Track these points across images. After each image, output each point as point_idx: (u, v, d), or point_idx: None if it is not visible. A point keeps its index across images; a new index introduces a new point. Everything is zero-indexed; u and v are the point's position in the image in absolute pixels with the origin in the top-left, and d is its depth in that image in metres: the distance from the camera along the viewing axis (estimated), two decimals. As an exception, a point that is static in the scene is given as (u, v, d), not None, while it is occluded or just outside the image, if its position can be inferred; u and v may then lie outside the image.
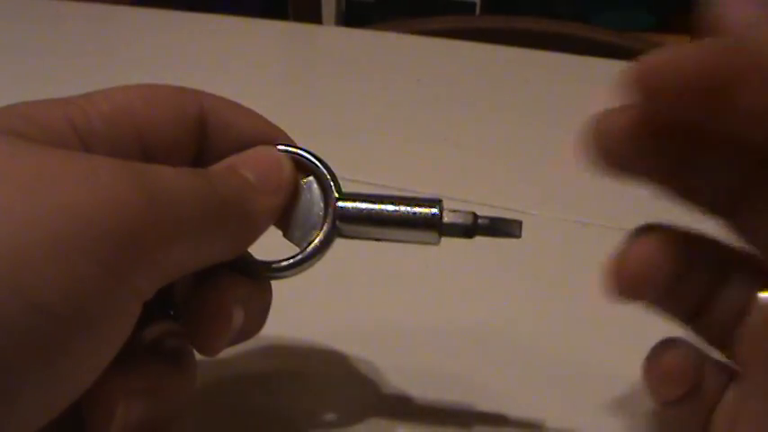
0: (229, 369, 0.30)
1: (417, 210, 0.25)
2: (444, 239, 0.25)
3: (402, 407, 0.29)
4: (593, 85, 0.63)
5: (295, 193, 0.26)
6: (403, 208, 0.25)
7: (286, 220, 0.25)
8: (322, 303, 0.35)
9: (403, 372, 0.30)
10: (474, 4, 1.89)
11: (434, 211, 0.25)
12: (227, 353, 0.25)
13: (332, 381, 0.30)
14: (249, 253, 0.25)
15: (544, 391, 0.30)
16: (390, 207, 0.25)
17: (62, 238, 0.18)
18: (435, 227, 0.25)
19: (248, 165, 0.24)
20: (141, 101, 0.24)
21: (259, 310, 0.25)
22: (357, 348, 0.31)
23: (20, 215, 0.18)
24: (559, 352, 0.32)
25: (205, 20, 0.76)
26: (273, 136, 0.26)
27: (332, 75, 0.66)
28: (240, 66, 0.67)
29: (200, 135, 0.25)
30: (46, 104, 0.23)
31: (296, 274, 0.25)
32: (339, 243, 0.26)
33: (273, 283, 0.26)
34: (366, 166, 0.48)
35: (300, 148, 0.26)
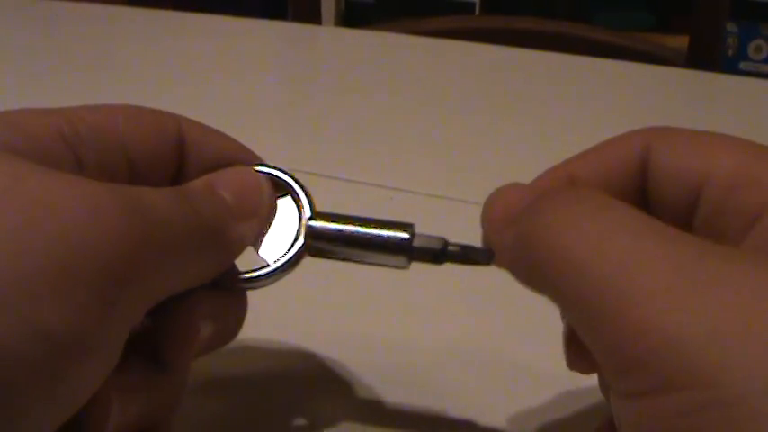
0: (219, 369, 0.30)
1: (388, 233, 0.25)
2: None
3: (378, 414, 0.29)
4: (593, 85, 0.64)
5: (271, 212, 0.26)
6: (374, 231, 0.25)
7: (259, 235, 0.26)
8: (308, 310, 0.35)
9: (383, 378, 0.30)
10: (473, 4, 1.89)
11: (405, 235, 0.25)
12: (220, 354, 0.25)
13: (314, 387, 0.30)
14: None
15: (525, 402, 0.30)
16: (362, 229, 0.25)
17: (64, 267, 0.19)
18: (405, 251, 0.25)
19: (227, 185, 0.25)
20: (124, 117, 0.25)
21: (232, 320, 0.25)
22: (336, 354, 0.31)
23: (24, 243, 0.18)
24: (539, 362, 0.32)
25: (205, 20, 0.76)
26: (248, 158, 0.27)
27: (331, 75, 0.66)
28: (240, 66, 0.67)
29: (179, 153, 0.26)
30: (34, 113, 0.23)
31: (262, 286, 0.25)
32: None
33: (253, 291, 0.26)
34: (366, 166, 0.48)
35: (276, 168, 0.27)
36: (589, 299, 0.19)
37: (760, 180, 0.21)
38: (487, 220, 0.23)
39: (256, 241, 0.26)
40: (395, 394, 0.30)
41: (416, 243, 0.25)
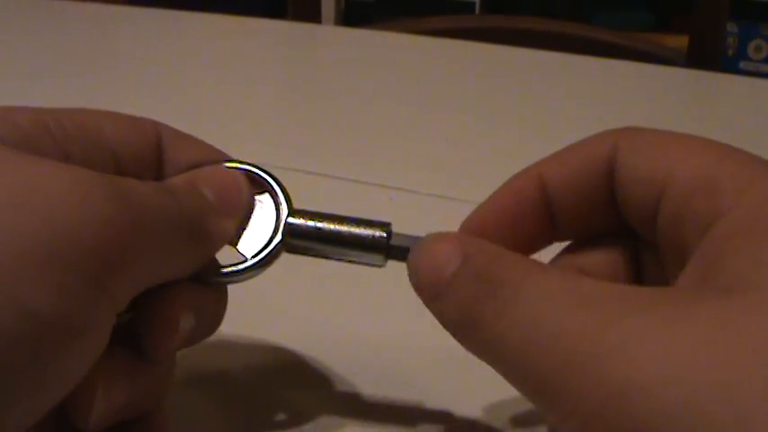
0: (202, 365, 0.30)
1: (365, 231, 0.25)
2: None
3: (364, 410, 0.29)
4: (593, 85, 0.64)
5: (249, 208, 0.27)
6: (351, 228, 0.26)
7: (238, 232, 0.26)
8: (293, 306, 0.35)
9: (367, 375, 0.31)
10: (473, 4, 1.89)
11: (382, 233, 0.25)
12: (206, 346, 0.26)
13: (297, 383, 0.30)
14: None
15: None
16: (339, 227, 0.26)
17: (52, 250, 0.19)
18: (382, 249, 0.25)
19: (207, 182, 0.25)
20: (105, 119, 0.25)
21: (212, 314, 0.26)
22: (320, 350, 0.31)
23: (11, 227, 0.19)
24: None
25: (205, 20, 0.76)
26: (223, 159, 0.27)
27: (331, 74, 0.66)
28: (240, 65, 0.67)
29: (158, 155, 0.26)
30: (21, 109, 0.23)
31: (240, 281, 0.26)
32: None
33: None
34: (366, 166, 0.48)
35: (253, 165, 0.27)
36: (534, 374, 0.20)
37: (717, 186, 0.21)
38: (419, 285, 0.23)
39: (235, 237, 0.26)
40: (379, 390, 0.30)
41: (393, 241, 0.25)
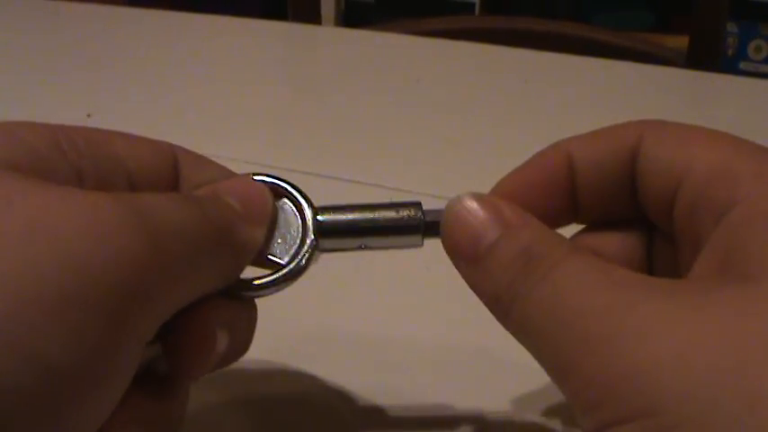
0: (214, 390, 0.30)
1: (398, 214, 0.25)
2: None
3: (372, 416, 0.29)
4: (593, 85, 0.64)
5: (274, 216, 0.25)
6: (382, 215, 0.25)
7: (264, 242, 0.25)
8: (297, 306, 0.35)
9: (374, 378, 0.30)
10: (473, 4, 1.89)
11: (415, 214, 0.25)
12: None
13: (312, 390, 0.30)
14: None
15: (528, 399, 0.30)
16: (369, 215, 0.25)
17: (66, 293, 0.18)
18: (418, 230, 0.25)
19: (231, 192, 0.24)
20: (118, 137, 0.24)
21: (245, 331, 0.25)
22: (326, 354, 0.31)
23: (21, 270, 0.17)
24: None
25: (205, 20, 0.76)
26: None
27: (331, 75, 0.66)
28: (240, 66, 0.67)
29: (175, 175, 0.25)
30: (33, 126, 0.22)
31: (277, 291, 0.25)
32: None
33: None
34: (366, 167, 0.48)
35: (268, 175, 0.26)
36: (553, 347, 0.20)
37: (733, 174, 0.21)
38: (454, 252, 0.23)
39: (264, 246, 0.25)
40: (386, 393, 0.30)
41: (428, 219, 0.25)
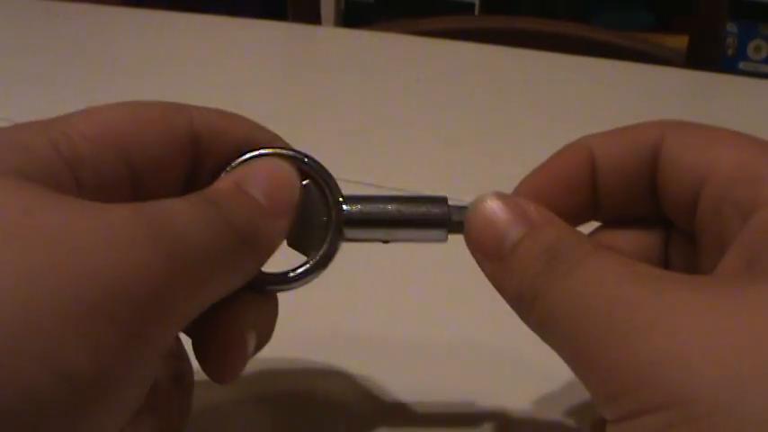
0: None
1: (424, 209, 0.25)
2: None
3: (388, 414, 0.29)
4: (593, 85, 0.64)
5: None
6: (409, 208, 0.25)
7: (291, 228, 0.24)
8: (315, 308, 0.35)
9: (383, 377, 0.30)
10: (473, 4, 1.89)
11: (442, 209, 0.25)
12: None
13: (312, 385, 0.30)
14: None
15: (535, 398, 0.30)
16: (395, 207, 0.24)
17: (84, 304, 0.18)
18: (444, 225, 0.24)
19: (256, 182, 0.23)
20: (128, 121, 0.23)
21: (268, 324, 0.24)
22: (335, 352, 0.31)
23: (40, 281, 0.18)
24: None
25: (205, 20, 0.76)
26: (268, 140, 0.25)
27: (331, 75, 0.66)
28: (240, 66, 0.67)
29: (193, 149, 0.24)
30: (29, 130, 0.22)
31: (305, 284, 0.24)
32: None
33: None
34: (366, 167, 0.48)
35: (298, 152, 0.25)
36: (575, 339, 0.20)
37: (759, 176, 0.21)
38: (478, 250, 0.23)
39: (287, 235, 0.24)
40: (397, 392, 0.30)
41: (454, 217, 0.24)
